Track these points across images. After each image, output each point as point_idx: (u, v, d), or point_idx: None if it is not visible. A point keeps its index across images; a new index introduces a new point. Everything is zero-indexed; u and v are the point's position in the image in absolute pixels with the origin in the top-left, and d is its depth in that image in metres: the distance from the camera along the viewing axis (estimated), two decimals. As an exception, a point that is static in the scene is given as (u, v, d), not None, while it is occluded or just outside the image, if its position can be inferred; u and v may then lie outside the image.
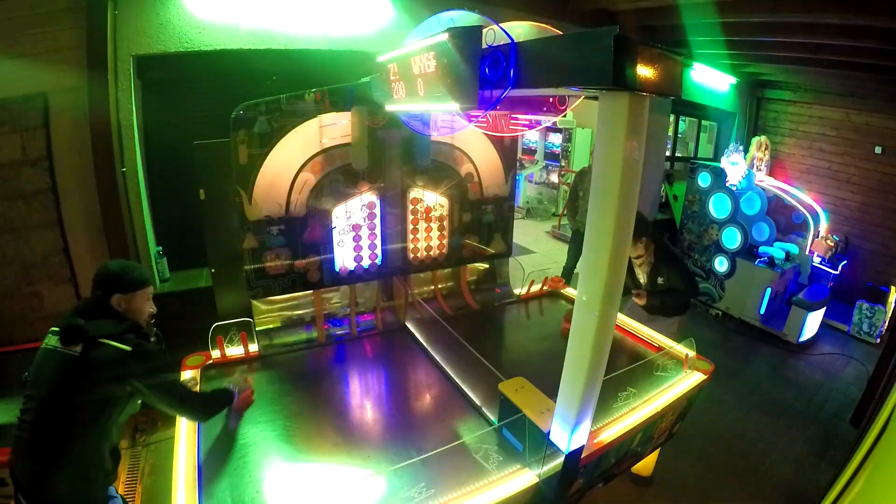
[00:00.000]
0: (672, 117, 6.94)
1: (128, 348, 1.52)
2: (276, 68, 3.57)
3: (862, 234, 6.24)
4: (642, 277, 2.94)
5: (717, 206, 5.46)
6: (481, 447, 1.79)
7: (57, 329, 1.51)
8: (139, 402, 1.73)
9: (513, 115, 2.03)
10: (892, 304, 5.16)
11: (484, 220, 3.08)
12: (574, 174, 5.97)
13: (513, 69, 1.27)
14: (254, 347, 2.39)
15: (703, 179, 5.57)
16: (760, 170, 6.16)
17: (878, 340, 5.04)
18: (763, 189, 5.66)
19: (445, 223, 2.93)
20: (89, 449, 1.54)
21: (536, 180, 9.78)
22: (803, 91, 6.72)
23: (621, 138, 1.16)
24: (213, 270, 2.52)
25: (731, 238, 5.31)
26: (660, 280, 2.84)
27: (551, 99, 1.86)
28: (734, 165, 5.33)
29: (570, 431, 1.53)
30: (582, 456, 1.66)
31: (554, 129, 9.13)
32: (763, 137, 6.31)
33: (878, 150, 6.03)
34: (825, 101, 6.49)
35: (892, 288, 5.29)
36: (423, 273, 2.99)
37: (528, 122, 2.05)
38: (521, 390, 1.80)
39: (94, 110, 2.86)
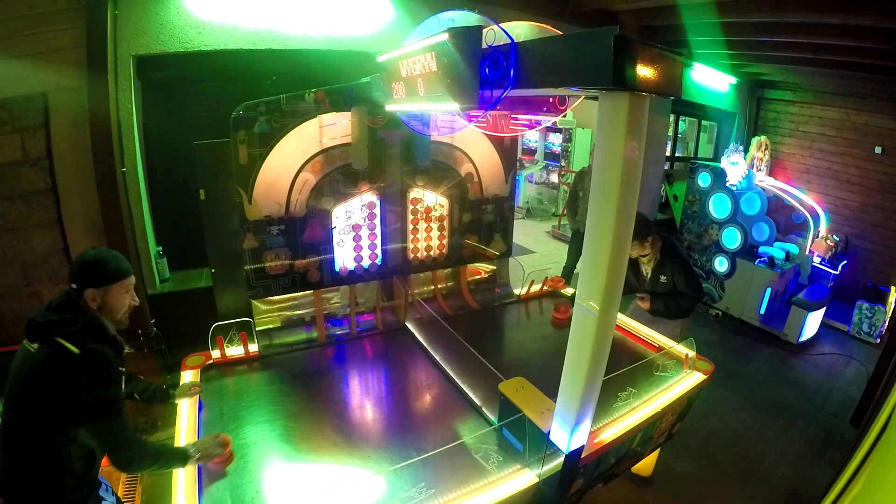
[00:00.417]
0: (672, 117, 6.94)
1: (76, 350, 1.39)
2: (276, 68, 3.57)
3: (862, 234, 6.24)
4: (648, 273, 2.93)
5: (717, 206, 5.46)
6: (481, 447, 1.79)
7: None
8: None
9: (513, 115, 2.03)
10: (892, 304, 5.16)
11: (484, 220, 3.08)
12: (574, 174, 5.97)
13: (513, 69, 1.27)
14: (254, 347, 2.39)
15: (703, 179, 5.57)
16: (760, 170, 6.16)
17: (878, 340, 5.04)
18: (763, 189, 5.66)
19: (445, 223, 2.93)
20: (50, 452, 1.44)
21: (536, 180, 9.79)
22: (803, 91, 6.72)
23: (621, 138, 1.16)
24: (213, 270, 2.52)
25: (731, 238, 5.31)
26: (662, 278, 2.83)
27: (551, 99, 1.86)
28: (734, 165, 5.33)
29: (570, 431, 1.53)
30: (582, 456, 1.66)
31: (554, 129, 9.13)
32: (763, 137, 6.31)
33: (878, 150, 6.03)
34: (825, 101, 6.49)
35: (892, 288, 5.29)
36: (423, 273, 2.99)
37: (528, 122, 2.05)
38: (521, 390, 1.80)
39: (94, 110, 2.86)
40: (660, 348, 2.57)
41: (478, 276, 3.24)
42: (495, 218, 3.12)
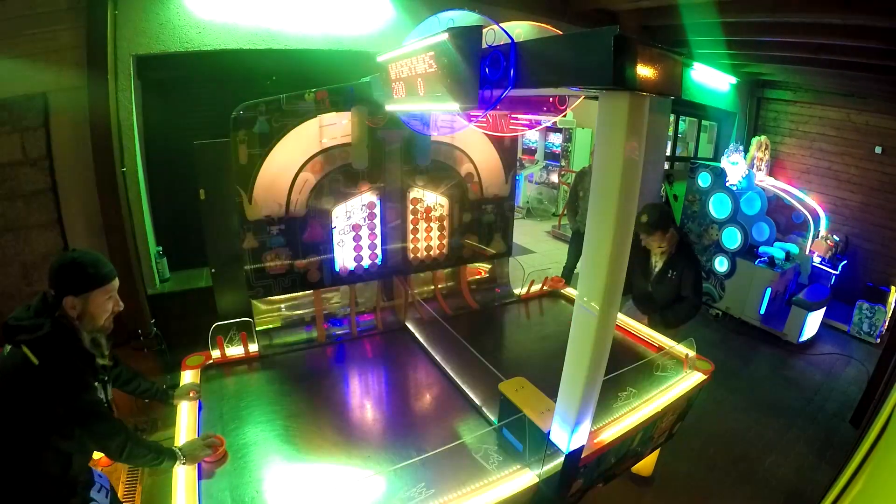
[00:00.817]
0: (672, 117, 6.94)
1: (35, 361, 1.33)
2: (276, 68, 3.57)
3: (862, 234, 6.24)
4: (657, 267, 2.90)
5: (717, 206, 5.46)
6: (481, 447, 1.79)
7: None
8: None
9: (513, 115, 2.03)
10: (893, 304, 5.16)
11: (484, 220, 3.08)
12: (574, 174, 5.97)
13: (513, 69, 1.27)
14: (254, 347, 2.39)
15: (703, 179, 5.57)
16: (760, 170, 6.16)
17: (878, 340, 5.04)
18: (763, 189, 5.66)
19: (445, 223, 2.93)
20: (20, 456, 1.40)
21: (536, 180, 9.79)
22: (803, 91, 6.72)
23: (621, 138, 1.16)
24: (213, 270, 2.52)
25: (732, 238, 5.31)
26: (671, 273, 2.81)
27: (551, 99, 1.86)
28: (734, 165, 5.33)
29: (570, 431, 1.53)
30: (582, 456, 1.66)
31: (554, 129, 9.13)
32: (763, 137, 6.31)
33: (878, 150, 6.03)
34: (825, 101, 6.49)
35: (892, 288, 5.29)
36: (423, 273, 2.99)
37: (528, 122, 2.05)
38: (521, 390, 1.80)
39: (94, 110, 2.86)
40: (660, 348, 2.57)
41: (478, 276, 3.24)
42: (495, 218, 3.12)
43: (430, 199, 2.83)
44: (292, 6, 3.33)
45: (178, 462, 1.58)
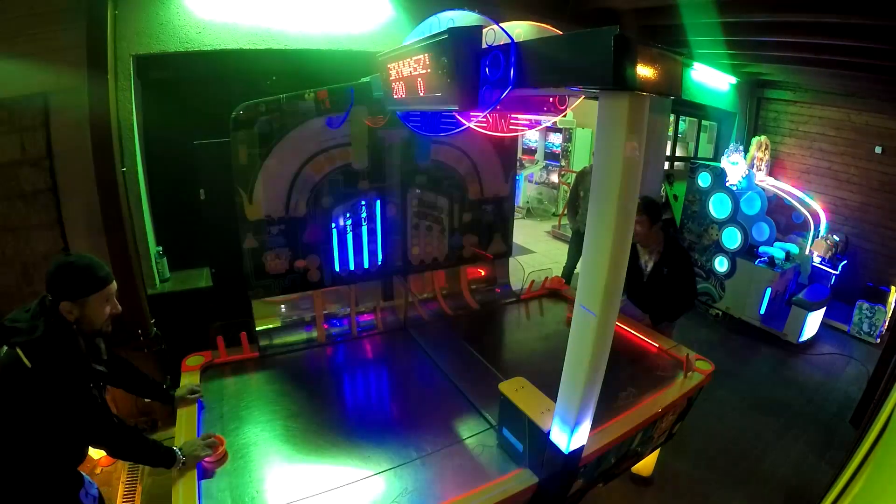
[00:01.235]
0: (672, 117, 6.94)
1: (28, 364, 1.32)
2: (276, 68, 3.56)
3: (862, 234, 6.24)
4: (648, 266, 2.90)
5: (717, 206, 5.46)
6: (481, 447, 1.79)
7: None
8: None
9: (513, 115, 2.03)
10: (893, 304, 5.16)
11: (484, 220, 3.08)
12: (574, 174, 5.97)
13: (513, 69, 1.27)
14: (254, 347, 2.39)
15: (703, 179, 5.57)
16: (760, 170, 6.16)
17: (878, 340, 5.04)
18: (763, 189, 5.66)
19: (445, 223, 2.93)
20: (7, 456, 1.40)
21: (536, 180, 9.78)
22: (803, 91, 6.72)
23: (621, 138, 1.16)
24: (213, 270, 2.52)
25: (732, 238, 5.31)
26: (664, 271, 2.81)
27: (551, 99, 1.86)
28: (734, 165, 5.33)
29: (570, 431, 1.53)
30: (582, 456, 1.66)
31: (554, 129, 9.13)
32: (763, 137, 6.31)
33: (878, 150, 6.03)
34: (825, 101, 6.49)
35: (892, 288, 5.28)
36: (423, 273, 2.99)
37: (528, 122, 2.05)
38: (521, 390, 1.80)
39: (94, 110, 2.86)
40: (660, 348, 2.57)
41: (478, 276, 3.24)
42: (495, 218, 3.12)
43: (430, 199, 2.83)
44: (292, 6, 3.33)
45: (177, 462, 1.58)
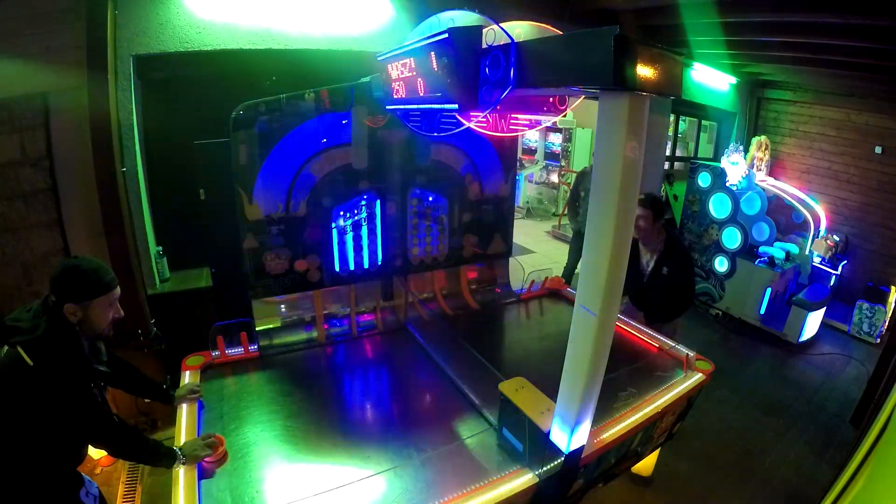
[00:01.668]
0: (672, 117, 6.94)
1: (30, 362, 1.33)
2: (276, 68, 3.56)
3: (862, 234, 6.24)
4: (649, 264, 2.90)
5: (717, 206, 5.46)
6: (481, 447, 1.79)
7: None
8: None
9: (513, 115, 2.03)
10: (893, 304, 5.16)
11: (484, 220, 3.08)
12: (575, 174, 5.98)
13: (513, 69, 1.27)
14: (254, 347, 2.39)
15: (703, 179, 5.57)
16: (760, 170, 6.16)
17: (878, 340, 5.04)
18: (763, 189, 5.66)
19: (445, 223, 2.93)
20: (8, 455, 1.41)
21: (536, 180, 9.79)
22: (803, 91, 6.72)
23: (621, 138, 1.16)
24: (213, 270, 2.52)
25: (732, 238, 5.31)
26: (665, 270, 2.82)
27: (551, 99, 1.86)
28: (734, 165, 5.33)
29: (570, 431, 1.53)
30: (582, 456, 1.66)
31: (554, 129, 9.13)
32: (763, 137, 6.31)
33: (878, 150, 6.03)
34: (825, 101, 6.49)
35: (892, 288, 5.28)
36: (423, 273, 2.99)
37: (528, 122, 2.05)
38: (521, 390, 1.80)
39: (94, 110, 2.86)
40: (660, 348, 2.57)
41: (478, 276, 3.24)
42: (495, 218, 3.12)
43: (430, 199, 2.83)
44: (292, 6, 3.33)
45: (177, 462, 1.59)
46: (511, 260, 3.35)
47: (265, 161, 2.27)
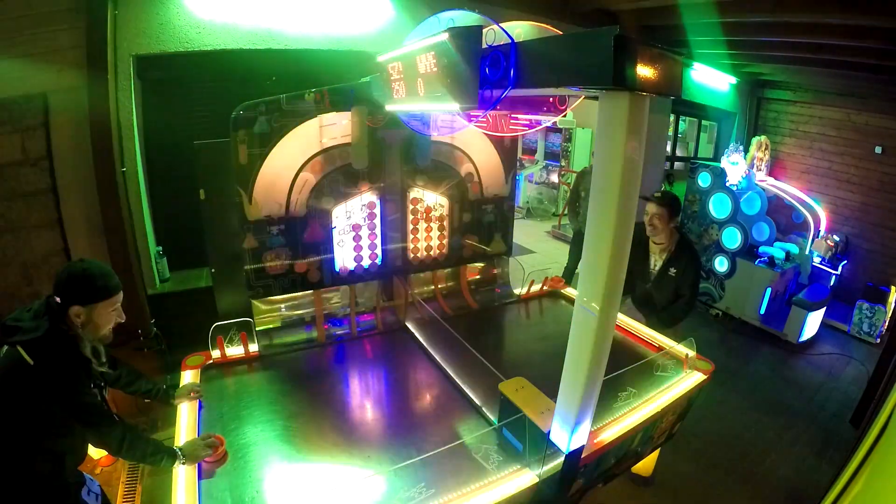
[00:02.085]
0: (672, 117, 6.94)
1: (30, 361, 1.35)
2: (276, 68, 3.57)
3: (862, 234, 6.24)
4: (657, 264, 2.89)
5: (717, 206, 5.46)
6: (481, 447, 1.79)
7: None
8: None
9: (513, 115, 2.03)
10: (893, 304, 5.16)
11: (484, 220, 3.08)
12: (575, 174, 5.97)
13: (513, 69, 1.27)
14: (254, 347, 2.39)
15: (703, 179, 5.57)
16: (761, 170, 6.16)
17: (878, 340, 5.04)
18: (763, 189, 5.66)
19: (445, 223, 2.93)
20: (11, 455, 1.42)
21: (536, 180, 9.79)
22: (803, 91, 6.72)
23: (621, 138, 1.16)
24: (213, 270, 2.52)
25: (732, 238, 5.31)
26: (672, 271, 2.81)
27: (551, 99, 1.86)
28: (734, 165, 5.33)
29: (570, 431, 1.53)
30: (582, 456, 1.66)
31: (554, 129, 9.13)
32: (763, 137, 6.31)
33: (878, 150, 6.03)
34: (825, 101, 6.49)
35: (893, 288, 5.29)
36: (423, 273, 2.99)
37: (528, 122, 2.05)
38: (521, 390, 1.80)
39: (94, 110, 2.86)
40: (660, 348, 2.57)
41: (478, 276, 3.24)
42: (495, 218, 3.12)
43: (430, 199, 2.83)
44: (292, 6, 3.33)
45: (177, 462, 1.59)
46: (511, 260, 3.35)
47: (265, 161, 2.27)
